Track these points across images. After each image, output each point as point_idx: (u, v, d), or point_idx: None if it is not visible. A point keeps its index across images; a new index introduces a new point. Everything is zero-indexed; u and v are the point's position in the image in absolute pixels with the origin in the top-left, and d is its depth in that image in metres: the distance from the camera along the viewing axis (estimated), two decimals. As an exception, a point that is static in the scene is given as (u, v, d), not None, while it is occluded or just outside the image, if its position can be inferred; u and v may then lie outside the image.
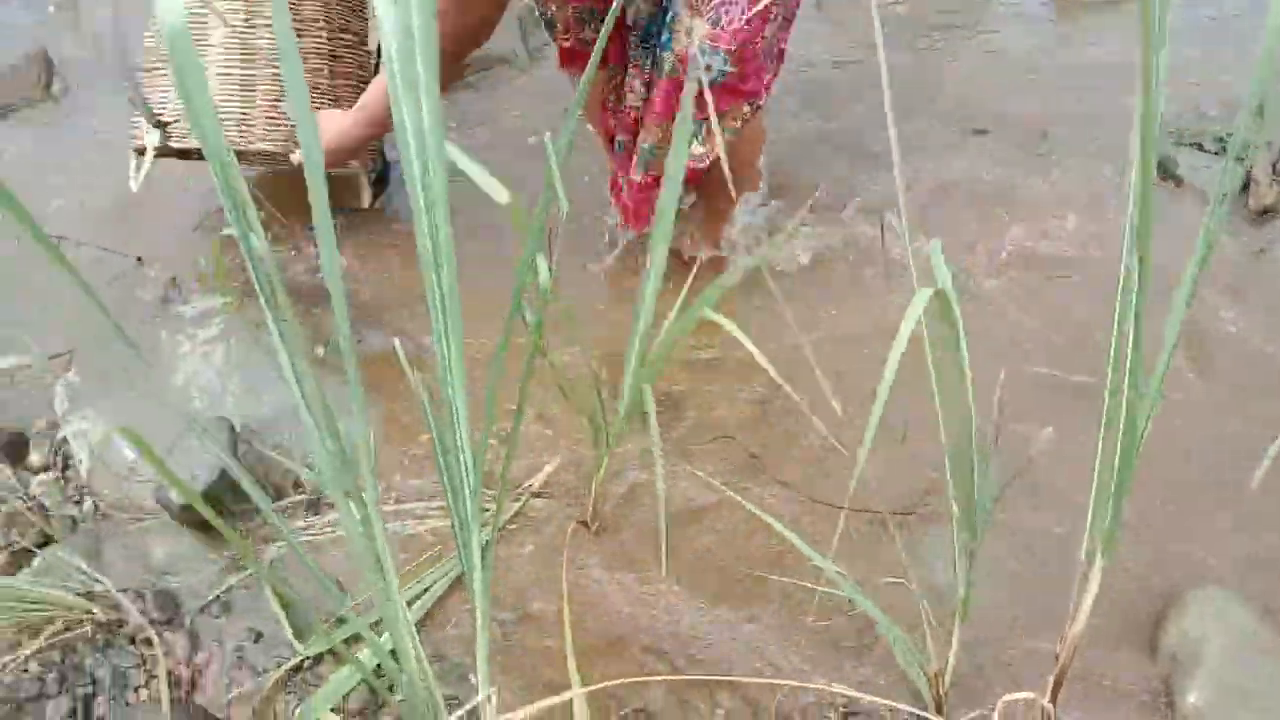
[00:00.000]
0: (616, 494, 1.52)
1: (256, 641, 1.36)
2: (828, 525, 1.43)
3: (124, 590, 1.40)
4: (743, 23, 1.46)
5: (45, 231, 0.59)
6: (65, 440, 1.61)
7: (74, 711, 1.31)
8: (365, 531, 0.84)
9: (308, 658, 1.32)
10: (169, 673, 1.33)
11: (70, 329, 1.77)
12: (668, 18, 1.51)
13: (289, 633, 1.35)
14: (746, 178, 1.84)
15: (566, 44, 1.69)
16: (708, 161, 1.62)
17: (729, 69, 1.50)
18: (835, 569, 1.19)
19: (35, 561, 1.47)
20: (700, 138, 1.59)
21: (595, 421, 1.36)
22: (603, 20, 1.48)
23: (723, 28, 1.47)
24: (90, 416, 1.59)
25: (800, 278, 1.86)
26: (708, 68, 1.49)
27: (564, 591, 1.37)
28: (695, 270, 1.43)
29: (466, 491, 0.86)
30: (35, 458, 1.61)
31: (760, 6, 1.46)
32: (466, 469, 0.84)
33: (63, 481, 1.58)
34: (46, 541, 1.51)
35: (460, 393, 0.80)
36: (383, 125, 1.70)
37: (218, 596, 1.41)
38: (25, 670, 1.34)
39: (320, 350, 1.73)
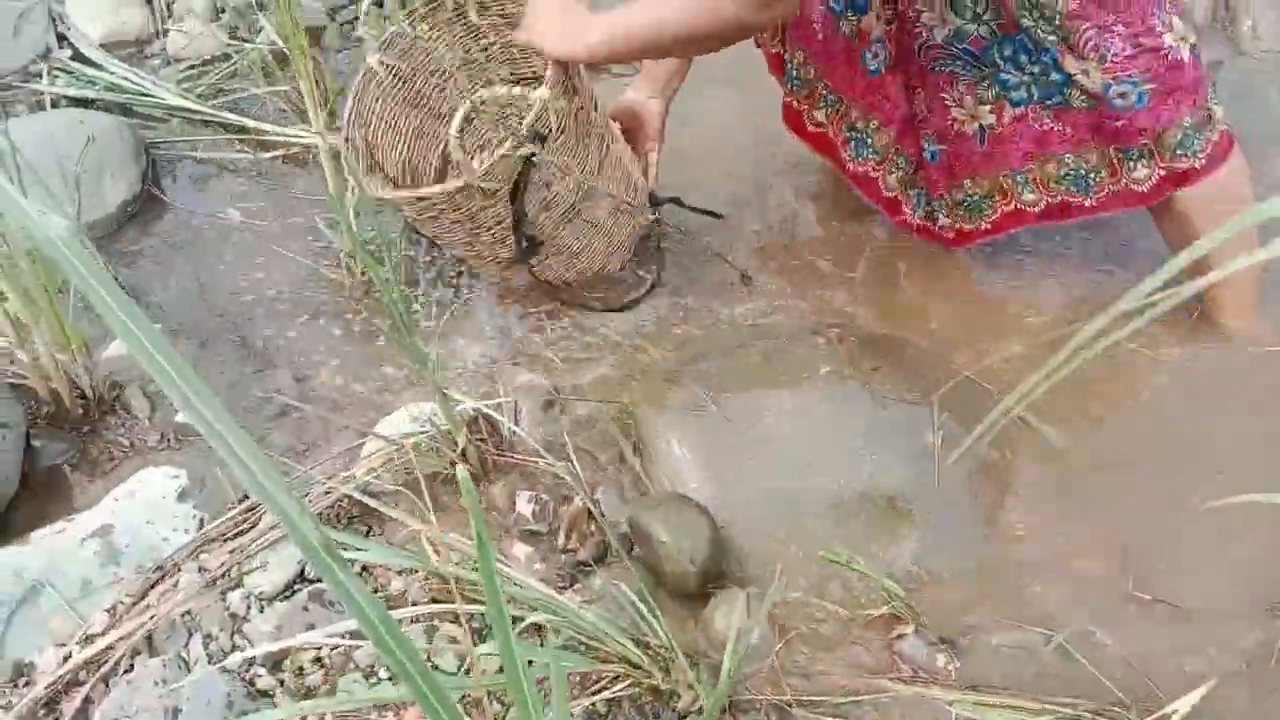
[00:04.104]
0: None
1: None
2: None
3: (687, 656, 1.23)
4: (1132, 51, 1.41)
5: None
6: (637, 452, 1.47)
7: (609, 783, 1.16)
8: None
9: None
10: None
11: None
12: (1026, 48, 1.46)
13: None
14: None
15: (774, 50, 1.81)
16: (1148, 186, 1.52)
17: (1148, 86, 1.44)
18: None
19: (594, 581, 1.33)
20: (1145, 159, 1.50)
21: None
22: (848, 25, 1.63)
23: (1111, 61, 1.42)
24: (673, 440, 1.44)
25: None
26: (1122, 95, 1.44)
27: None
28: None
29: None
30: (603, 456, 1.49)
31: (1147, 29, 1.41)
32: None
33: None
34: (602, 557, 1.38)
35: None
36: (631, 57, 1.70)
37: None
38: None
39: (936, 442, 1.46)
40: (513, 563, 1.35)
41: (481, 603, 1.24)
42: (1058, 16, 1.41)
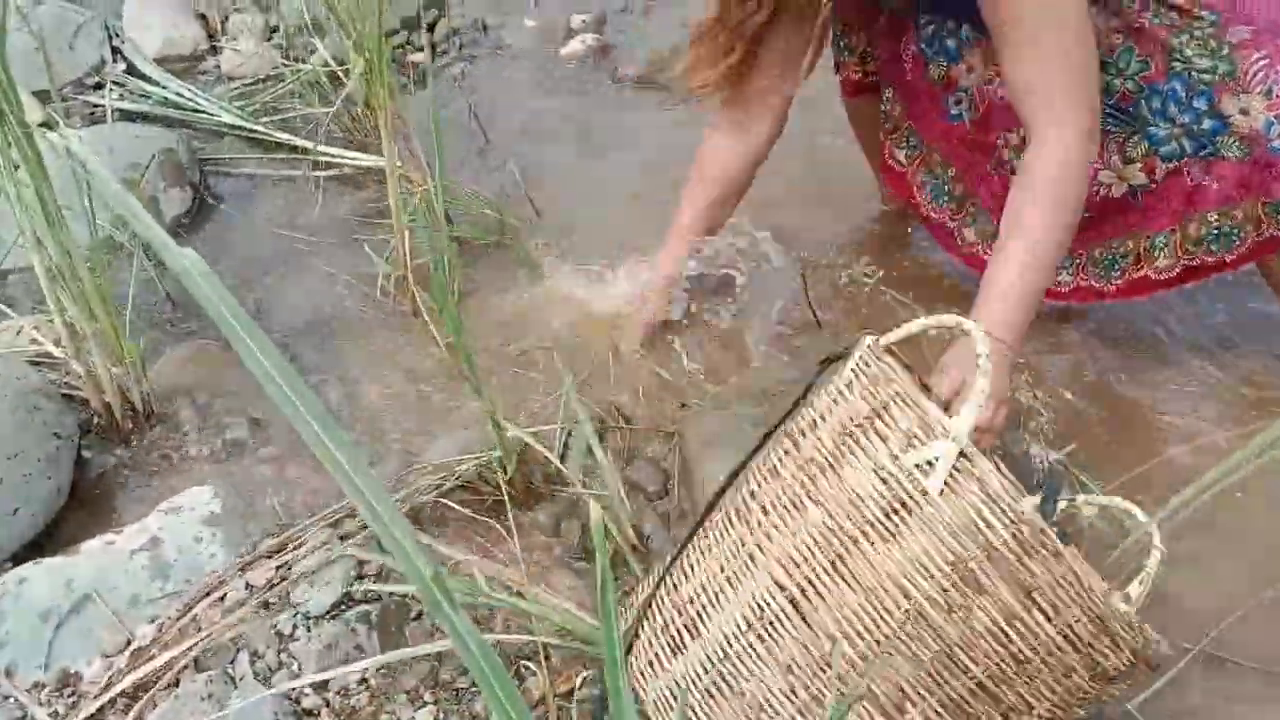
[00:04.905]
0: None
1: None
2: None
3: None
4: None
5: None
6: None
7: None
8: None
9: None
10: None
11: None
12: (1176, 97, 1.41)
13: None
14: None
15: (857, 75, 1.79)
16: None
17: None
18: None
19: (638, 614, 1.33)
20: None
21: None
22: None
23: (1278, 96, 1.36)
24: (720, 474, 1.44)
25: None
26: None
27: None
28: None
29: None
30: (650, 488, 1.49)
31: None
32: None
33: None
34: (646, 590, 1.38)
35: None
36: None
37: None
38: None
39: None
40: (556, 592, 1.35)
41: (531, 633, 1.24)
42: (1225, 47, 1.37)
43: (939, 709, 0.93)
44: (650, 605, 1.08)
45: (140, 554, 1.38)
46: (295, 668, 1.26)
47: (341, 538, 1.39)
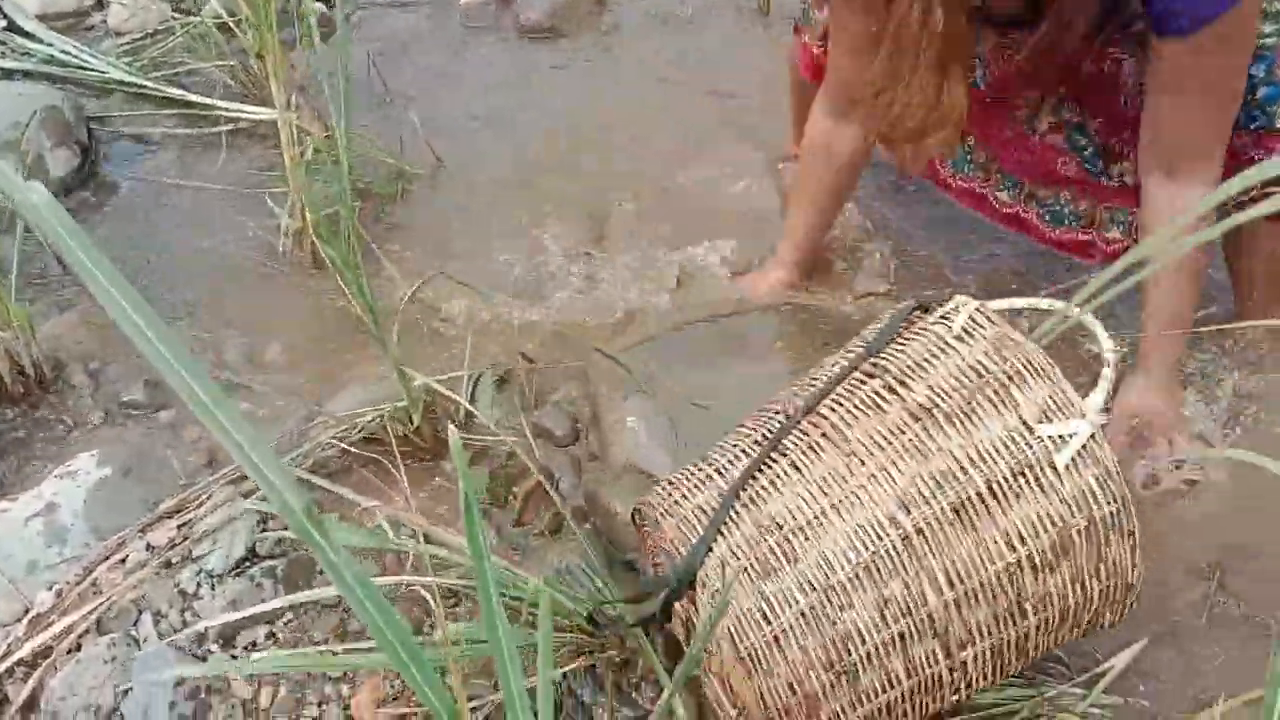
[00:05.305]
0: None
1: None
2: None
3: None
4: None
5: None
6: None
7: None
8: None
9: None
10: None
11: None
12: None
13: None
14: None
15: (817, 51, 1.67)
16: None
17: None
18: None
19: (548, 554, 1.34)
20: None
21: None
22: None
23: None
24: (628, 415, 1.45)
25: None
26: None
27: None
28: None
29: None
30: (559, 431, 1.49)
31: None
32: None
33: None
34: (558, 529, 1.38)
35: None
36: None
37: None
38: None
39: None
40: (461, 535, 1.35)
41: (438, 576, 1.23)
42: None
43: (987, 652, 0.99)
44: (725, 519, 1.03)
45: (35, 520, 1.34)
46: (201, 626, 1.24)
47: (244, 495, 1.37)
